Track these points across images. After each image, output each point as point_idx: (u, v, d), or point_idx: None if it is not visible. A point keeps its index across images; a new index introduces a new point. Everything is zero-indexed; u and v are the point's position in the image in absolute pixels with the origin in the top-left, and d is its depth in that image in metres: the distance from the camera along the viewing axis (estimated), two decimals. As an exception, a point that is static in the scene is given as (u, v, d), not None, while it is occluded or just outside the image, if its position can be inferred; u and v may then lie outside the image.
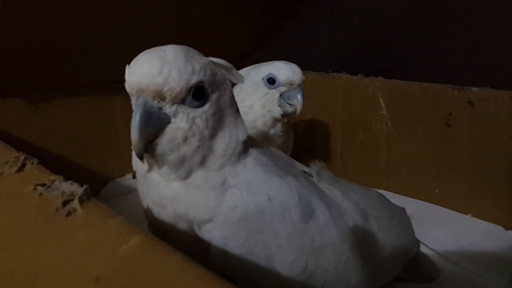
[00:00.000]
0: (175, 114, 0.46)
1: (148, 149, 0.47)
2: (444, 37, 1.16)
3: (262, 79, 0.83)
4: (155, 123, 0.45)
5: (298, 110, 0.82)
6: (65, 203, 0.38)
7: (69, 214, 0.36)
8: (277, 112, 0.83)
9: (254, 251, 0.50)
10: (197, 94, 0.47)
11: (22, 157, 0.49)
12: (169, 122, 0.46)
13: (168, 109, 0.46)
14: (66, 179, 0.43)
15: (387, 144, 1.07)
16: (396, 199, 0.81)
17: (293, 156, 0.84)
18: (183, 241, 0.51)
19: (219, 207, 0.50)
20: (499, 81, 0.89)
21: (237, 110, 0.54)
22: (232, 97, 0.53)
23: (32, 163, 0.48)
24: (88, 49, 0.92)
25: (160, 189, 0.50)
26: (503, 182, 0.89)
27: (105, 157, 1.04)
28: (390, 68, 1.09)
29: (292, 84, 0.82)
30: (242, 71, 0.88)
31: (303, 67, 1.22)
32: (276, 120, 0.84)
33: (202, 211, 0.50)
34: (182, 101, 0.46)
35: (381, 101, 1.05)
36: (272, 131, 0.85)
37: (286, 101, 0.82)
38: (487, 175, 0.91)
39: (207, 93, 0.48)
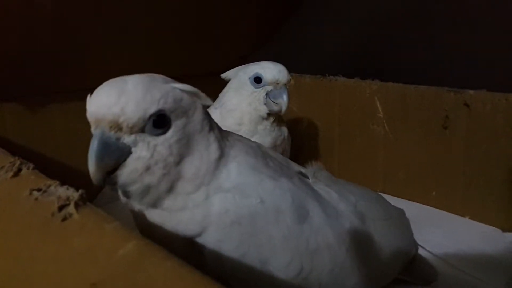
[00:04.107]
0: (134, 143, 0.45)
1: (109, 181, 0.46)
2: (440, 39, 1.17)
3: (249, 78, 0.85)
4: (113, 154, 0.45)
5: (283, 108, 0.84)
6: (61, 208, 0.37)
7: (65, 219, 0.36)
8: (263, 110, 0.85)
9: (248, 254, 0.50)
10: (158, 122, 0.46)
11: (18, 162, 0.49)
12: (129, 152, 0.45)
13: (127, 139, 0.45)
14: (62, 183, 0.42)
15: (384, 147, 1.07)
16: (394, 201, 0.81)
17: (291, 158, 0.84)
18: (177, 247, 0.50)
19: (209, 215, 0.50)
20: (495, 84, 0.89)
21: (210, 129, 0.52)
22: (204, 119, 0.51)
23: (28, 168, 0.48)
24: (85, 53, 0.92)
25: (145, 216, 0.50)
26: (500, 184, 0.89)
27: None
28: (387, 71, 1.10)
29: (278, 84, 0.84)
30: (232, 71, 0.90)
31: (300, 71, 1.23)
32: (262, 118, 0.86)
33: (191, 227, 0.50)
34: (142, 130, 0.46)
35: (378, 104, 1.06)
36: (260, 127, 0.87)
37: (272, 99, 0.84)
38: (484, 177, 0.91)
39: (169, 120, 0.47)
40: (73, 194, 0.39)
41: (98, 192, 1.05)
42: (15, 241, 0.35)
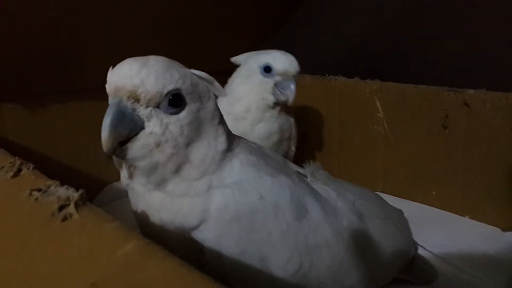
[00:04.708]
0: (148, 117, 0.47)
1: (119, 153, 0.47)
2: (440, 39, 1.17)
3: (259, 67, 0.86)
4: (128, 124, 0.46)
5: (290, 99, 0.84)
6: (61, 208, 0.37)
7: (65, 219, 0.36)
8: (270, 99, 0.85)
9: (247, 251, 0.51)
10: (174, 101, 0.47)
11: (18, 162, 0.49)
12: (142, 127, 0.47)
13: (142, 111, 0.46)
14: (63, 184, 0.42)
15: (384, 147, 1.07)
16: (394, 201, 0.81)
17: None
18: (175, 244, 0.51)
19: (208, 210, 0.50)
20: (495, 83, 0.89)
21: (221, 121, 0.54)
22: (215, 110, 0.53)
23: (28, 168, 0.48)
24: (85, 53, 0.92)
25: (145, 199, 0.51)
26: (500, 183, 0.89)
27: (102, 161, 1.03)
28: (387, 70, 1.10)
29: (287, 75, 0.84)
30: (242, 56, 0.91)
31: (300, 71, 1.22)
32: (268, 106, 0.86)
33: (189, 217, 0.50)
34: (157, 106, 0.47)
35: (378, 104, 1.06)
36: (267, 114, 0.87)
37: (280, 90, 0.85)
38: (484, 177, 0.91)
39: (184, 101, 0.48)
40: (73, 194, 0.39)
41: (98, 192, 1.05)
42: (15, 241, 0.35)
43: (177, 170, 0.49)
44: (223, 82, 0.92)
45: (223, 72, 0.90)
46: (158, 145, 0.47)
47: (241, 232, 0.50)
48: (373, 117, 1.07)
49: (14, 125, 0.91)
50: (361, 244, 0.60)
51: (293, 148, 0.97)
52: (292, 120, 0.95)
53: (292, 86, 0.84)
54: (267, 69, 0.85)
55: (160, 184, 0.49)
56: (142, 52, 0.51)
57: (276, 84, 0.85)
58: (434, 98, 0.96)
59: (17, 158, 0.50)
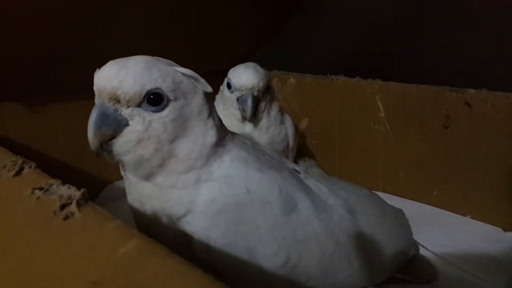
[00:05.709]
0: (131, 116, 0.48)
1: (105, 148, 0.49)
2: (441, 39, 1.17)
3: (226, 82, 0.85)
4: (111, 124, 0.48)
5: (246, 115, 0.82)
6: (62, 207, 0.37)
7: (66, 218, 0.36)
8: (237, 115, 0.84)
9: (235, 242, 0.52)
10: (154, 100, 0.49)
11: (20, 161, 0.49)
12: (127, 124, 0.48)
13: (124, 111, 0.48)
14: (64, 182, 0.42)
15: (385, 146, 1.07)
16: (394, 201, 0.81)
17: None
18: (165, 235, 0.52)
19: (195, 201, 0.52)
20: (496, 83, 0.89)
21: (210, 116, 0.54)
22: (203, 105, 0.53)
23: (30, 167, 0.48)
24: (86, 53, 0.92)
25: (138, 188, 0.53)
26: (501, 183, 0.89)
27: (103, 160, 1.04)
28: (388, 70, 1.10)
29: (242, 89, 0.82)
30: None
31: (301, 70, 1.22)
32: (239, 122, 0.84)
33: (177, 207, 0.52)
34: (139, 105, 0.48)
35: (379, 103, 1.06)
36: (247, 128, 0.85)
37: (241, 105, 0.83)
38: (485, 176, 0.91)
39: (167, 99, 0.49)
40: (75, 193, 0.39)
41: (100, 191, 1.05)
42: (17, 240, 0.35)
43: (163, 164, 0.50)
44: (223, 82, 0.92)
45: (223, 72, 0.90)
46: (140, 141, 0.49)
47: (228, 224, 0.52)
48: (374, 116, 1.07)
49: (15, 124, 0.91)
50: (353, 240, 0.61)
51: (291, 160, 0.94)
52: (289, 130, 0.92)
53: (248, 101, 0.81)
54: (228, 85, 0.84)
55: (149, 176, 0.51)
56: (142, 52, 0.51)
57: (237, 99, 0.83)
58: (436, 97, 0.96)
59: (19, 157, 0.51)
